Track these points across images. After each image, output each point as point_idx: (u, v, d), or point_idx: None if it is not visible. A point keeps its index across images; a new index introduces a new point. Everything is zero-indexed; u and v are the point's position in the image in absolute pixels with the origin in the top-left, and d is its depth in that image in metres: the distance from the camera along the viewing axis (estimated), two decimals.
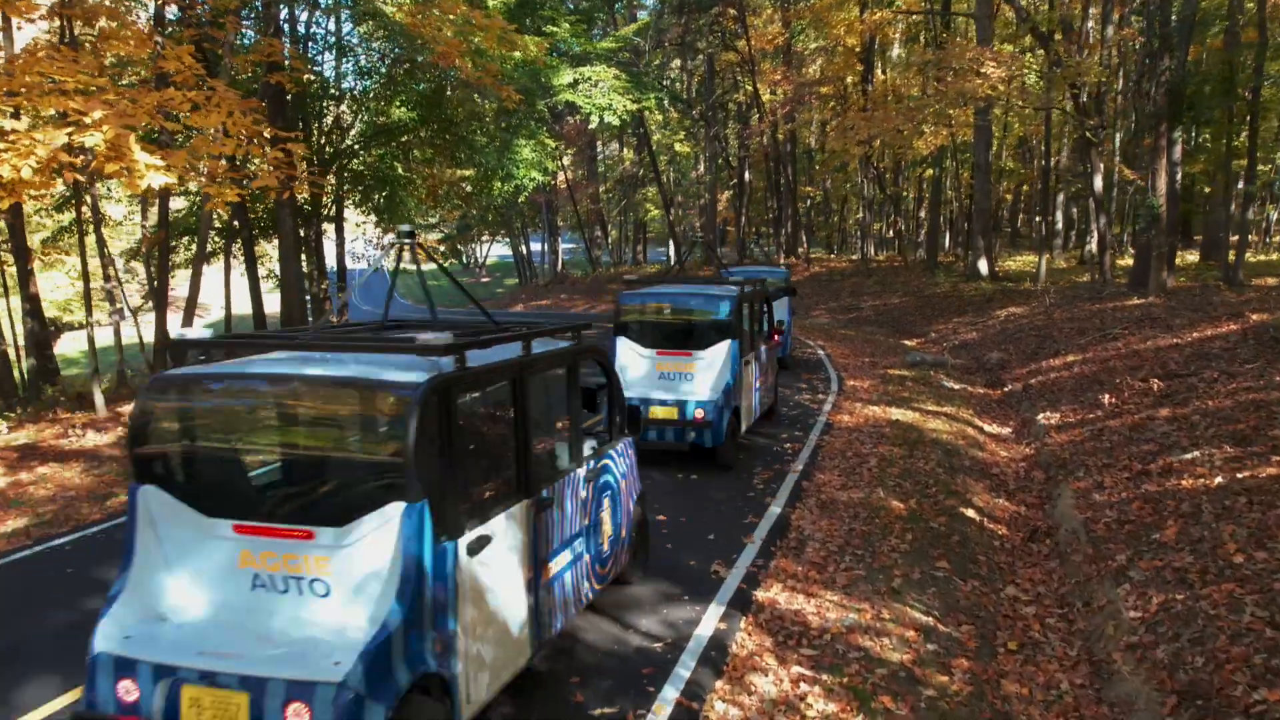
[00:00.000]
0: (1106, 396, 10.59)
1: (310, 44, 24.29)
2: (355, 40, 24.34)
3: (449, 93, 22.83)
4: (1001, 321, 20.43)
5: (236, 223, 22.83)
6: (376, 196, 23.80)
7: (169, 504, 3.70)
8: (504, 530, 4.09)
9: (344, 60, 25.23)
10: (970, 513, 7.96)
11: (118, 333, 20.27)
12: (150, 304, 20.95)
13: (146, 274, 24.00)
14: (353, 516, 3.52)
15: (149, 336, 19.35)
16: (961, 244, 37.22)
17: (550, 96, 23.39)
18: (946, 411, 12.10)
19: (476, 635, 3.84)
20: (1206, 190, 28.73)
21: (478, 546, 3.85)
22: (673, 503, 7.95)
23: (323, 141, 23.79)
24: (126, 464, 3.91)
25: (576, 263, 54.03)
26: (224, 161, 13.30)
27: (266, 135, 12.25)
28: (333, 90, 24.76)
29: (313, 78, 24.01)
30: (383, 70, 23.51)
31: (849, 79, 34.77)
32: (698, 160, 44.11)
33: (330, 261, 27.64)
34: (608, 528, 5.39)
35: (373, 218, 27.51)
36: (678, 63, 41.57)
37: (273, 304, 22.14)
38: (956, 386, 14.44)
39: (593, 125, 24.18)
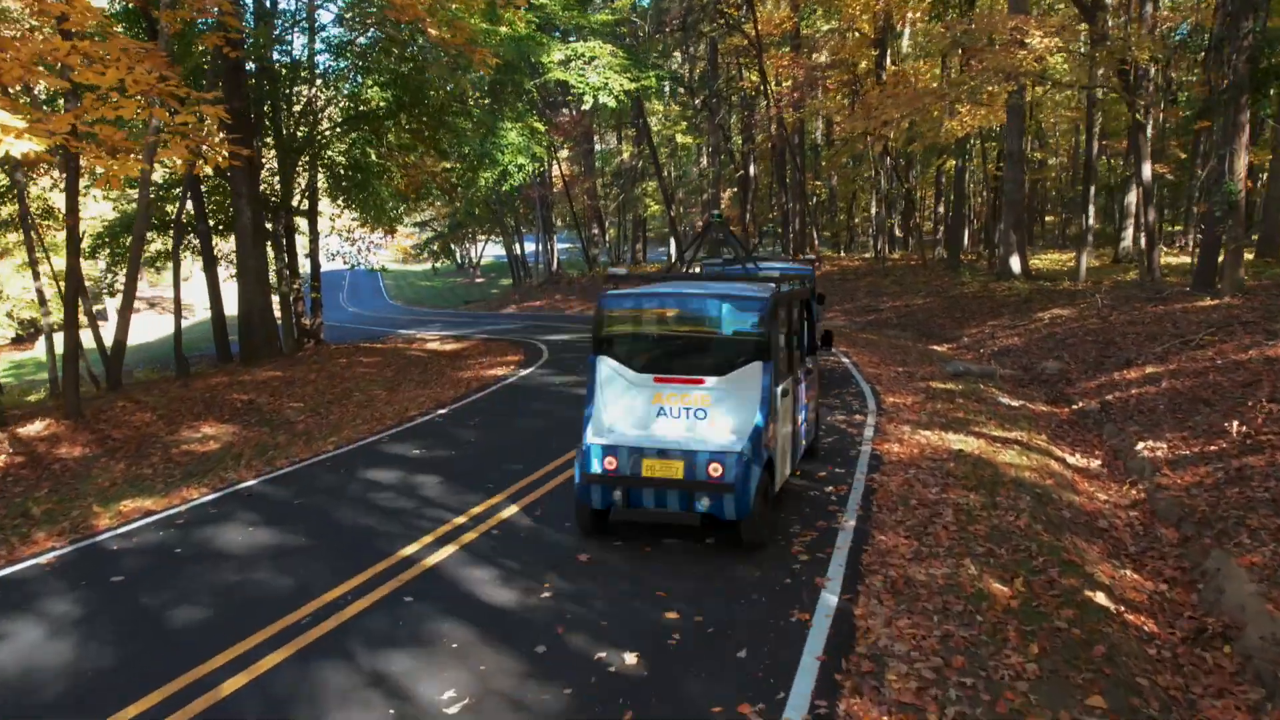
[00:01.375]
0: (1234, 424, 8.30)
1: (278, 20, 22.05)
2: (326, 13, 22.02)
3: (427, 75, 20.60)
4: (1046, 325, 18.15)
5: (192, 211, 20.65)
6: (349, 187, 21.54)
7: (615, 366, 6.58)
8: (788, 390, 7.09)
9: (315, 37, 23.00)
10: (1100, 598, 5.66)
11: (49, 339, 18.02)
12: (101, 304, 18.61)
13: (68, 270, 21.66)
14: (729, 369, 6.36)
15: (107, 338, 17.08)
16: (984, 241, 34.99)
17: (539, 76, 21.15)
18: (1016, 438, 9.81)
19: (780, 444, 6.76)
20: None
21: (784, 394, 6.88)
22: (682, 588, 5.66)
23: (293, 127, 21.56)
24: (591, 344, 6.65)
25: (573, 263, 51.74)
26: (164, 125, 11.01)
27: (179, 96, 9.97)
28: (304, 72, 22.53)
29: (278, 55, 21.85)
30: (357, 45, 21.27)
31: (862, 64, 32.54)
32: (699, 153, 41.92)
33: (303, 258, 25.41)
34: (811, 407, 8.32)
35: (349, 212, 25.26)
36: (678, 55, 39.35)
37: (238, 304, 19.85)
38: (1014, 403, 12.15)
39: (586, 106, 21.88)
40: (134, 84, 9.44)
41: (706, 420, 6.26)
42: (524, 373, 16.03)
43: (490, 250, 69.35)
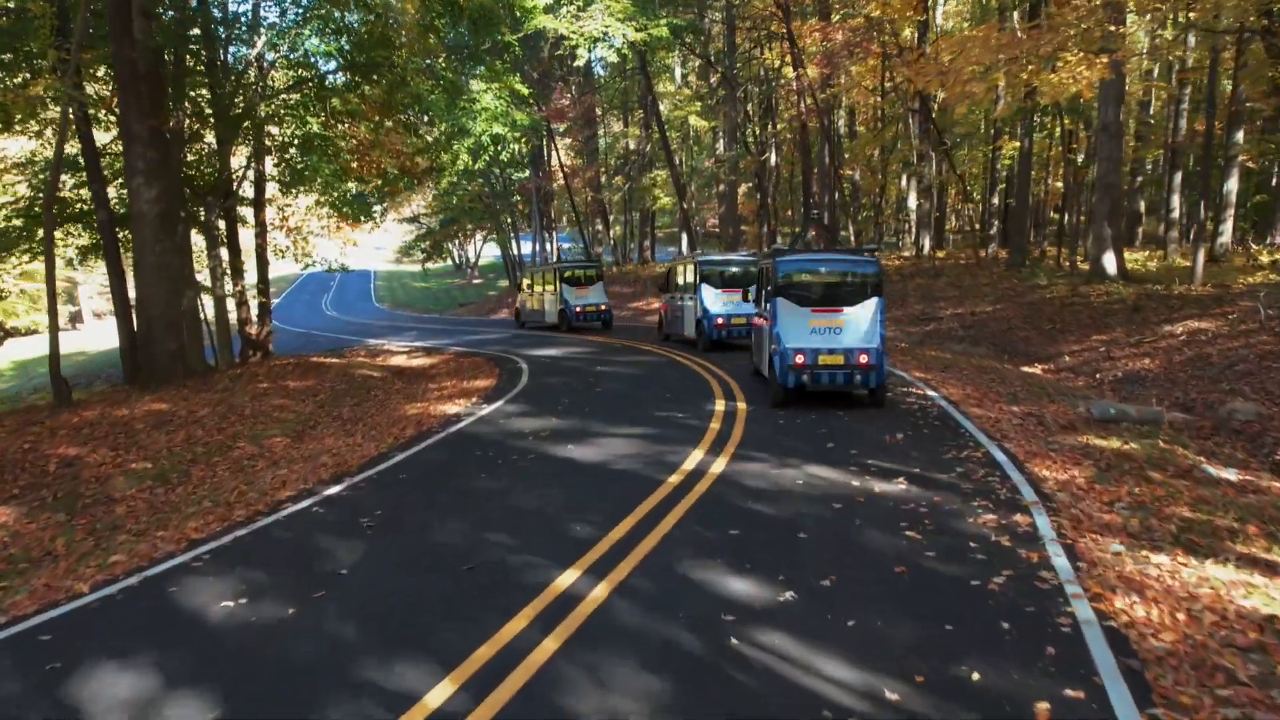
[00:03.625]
0: None
1: None
2: None
3: (389, 30, 16.36)
4: (1184, 343, 13.75)
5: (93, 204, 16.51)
6: (284, 163, 17.32)
7: (788, 303, 10.74)
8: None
9: None
10: None
11: None
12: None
13: None
14: (857, 302, 10.63)
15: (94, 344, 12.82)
16: (1051, 234, 30.58)
17: (522, 27, 16.90)
18: None
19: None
20: None
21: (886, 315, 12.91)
22: None
23: (225, 88, 17.36)
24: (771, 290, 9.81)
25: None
26: None
27: None
28: (238, 29, 18.39)
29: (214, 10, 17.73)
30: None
31: (905, 31, 28.19)
32: (715, 138, 37.53)
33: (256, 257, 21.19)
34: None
35: (298, 201, 20.99)
36: (690, 39, 34.96)
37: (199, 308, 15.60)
38: (1229, 474, 7.75)
39: (580, 61, 17.53)
40: None
41: (844, 334, 10.52)
42: (486, 410, 11.68)
43: (490, 250, 65.29)
